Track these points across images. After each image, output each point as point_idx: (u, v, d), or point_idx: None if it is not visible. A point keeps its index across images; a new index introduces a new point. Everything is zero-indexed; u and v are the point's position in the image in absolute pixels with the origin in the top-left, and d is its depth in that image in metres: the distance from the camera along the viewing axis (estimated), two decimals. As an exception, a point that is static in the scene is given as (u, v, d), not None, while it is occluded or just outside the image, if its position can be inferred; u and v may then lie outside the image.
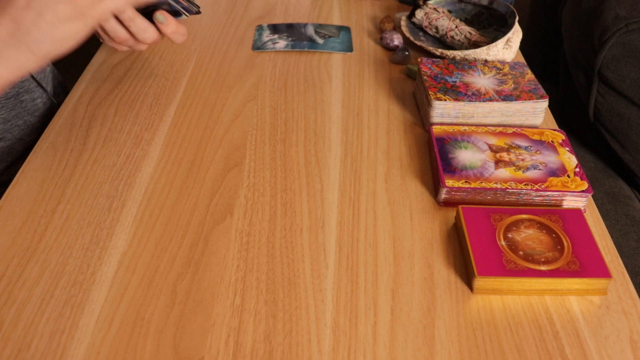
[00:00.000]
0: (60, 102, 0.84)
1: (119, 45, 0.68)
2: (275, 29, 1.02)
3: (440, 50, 0.92)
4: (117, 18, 0.64)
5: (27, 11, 0.57)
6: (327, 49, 0.97)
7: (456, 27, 0.94)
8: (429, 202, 0.68)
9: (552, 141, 0.73)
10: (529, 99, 0.77)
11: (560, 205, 0.67)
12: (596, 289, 0.58)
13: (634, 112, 1.01)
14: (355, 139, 0.78)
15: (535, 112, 0.78)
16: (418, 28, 1.00)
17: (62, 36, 0.59)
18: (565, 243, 0.60)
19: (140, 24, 0.64)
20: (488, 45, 0.86)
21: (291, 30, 1.01)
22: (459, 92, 0.78)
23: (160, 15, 0.65)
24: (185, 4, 0.67)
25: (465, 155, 0.70)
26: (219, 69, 0.91)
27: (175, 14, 0.68)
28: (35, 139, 0.77)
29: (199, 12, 0.69)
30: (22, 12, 0.57)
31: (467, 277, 0.59)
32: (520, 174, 0.68)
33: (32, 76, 0.86)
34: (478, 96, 0.77)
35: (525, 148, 0.72)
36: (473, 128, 0.75)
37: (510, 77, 0.82)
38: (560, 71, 1.27)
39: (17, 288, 0.57)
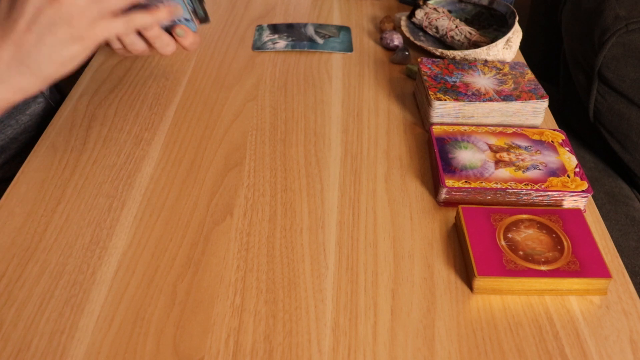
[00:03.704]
0: (55, 100, 0.84)
1: (128, 53, 0.68)
2: (275, 29, 1.02)
3: (440, 50, 0.92)
4: (139, 33, 0.64)
5: (27, 35, 0.58)
6: (327, 49, 0.97)
7: (456, 27, 0.94)
8: (429, 202, 0.68)
9: (552, 141, 0.73)
10: (529, 99, 0.77)
11: (560, 205, 0.67)
12: (596, 289, 0.58)
13: (634, 112, 1.01)
14: (355, 139, 0.78)
15: (535, 112, 0.78)
16: (418, 28, 1.00)
17: (62, 59, 0.60)
18: (565, 243, 0.60)
19: (164, 40, 0.65)
20: (488, 45, 0.86)
21: (291, 30, 1.01)
22: (459, 92, 0.78)
23: (180, 30, 0.66)
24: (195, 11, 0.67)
25: (465, 155, 0.70)
26: (219, 69, 0.91)
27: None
28: (28, 137, 0.77)
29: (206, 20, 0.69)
30: (22, 36, 0.58)
31: (467, 277, 0.59)
32: (520, 174, 0.68)
33: None
34: (478, 96, 0.77)
35: (525, 148, 0.72)
36: (473, 128, 0.75)
37: (510, 77, 0.82)
38: (560, 71, 1.27)
39: (17, 288, 0.57)
